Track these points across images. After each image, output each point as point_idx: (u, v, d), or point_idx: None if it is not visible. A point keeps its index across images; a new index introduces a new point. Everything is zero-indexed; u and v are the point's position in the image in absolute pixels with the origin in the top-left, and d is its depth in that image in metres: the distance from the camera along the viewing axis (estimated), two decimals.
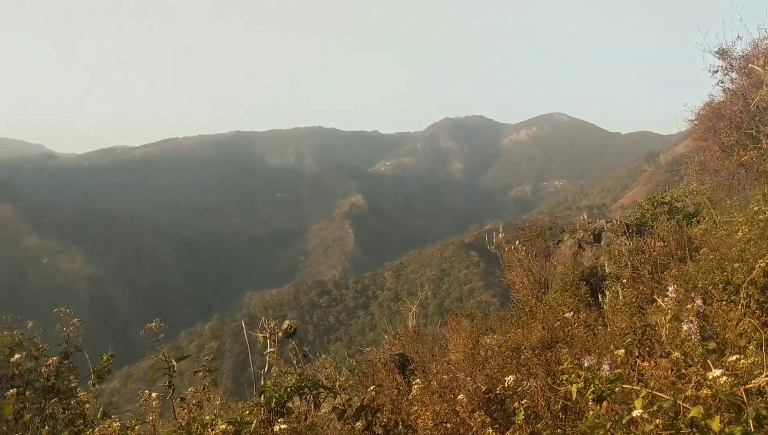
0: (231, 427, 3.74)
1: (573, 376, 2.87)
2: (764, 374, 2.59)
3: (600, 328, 9.20)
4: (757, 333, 3.39)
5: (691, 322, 3.14)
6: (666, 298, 3.69)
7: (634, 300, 8.38)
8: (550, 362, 8.35)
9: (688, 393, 2.43)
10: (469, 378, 8.40)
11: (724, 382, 2.39)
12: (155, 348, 4.66)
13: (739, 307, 4.25)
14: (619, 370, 2.93)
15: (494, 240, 18.16)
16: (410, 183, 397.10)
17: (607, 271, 14.11)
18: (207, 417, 3.99)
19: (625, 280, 11.72)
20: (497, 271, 19.01)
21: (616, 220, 17.99)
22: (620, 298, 10.52)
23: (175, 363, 4.45)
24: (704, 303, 3.47)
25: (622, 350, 3.35)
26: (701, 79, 18.67)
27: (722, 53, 17.62)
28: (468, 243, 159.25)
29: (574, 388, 2.85)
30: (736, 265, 5.05)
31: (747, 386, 2.75)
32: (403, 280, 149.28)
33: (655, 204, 19.30)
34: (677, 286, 4.04)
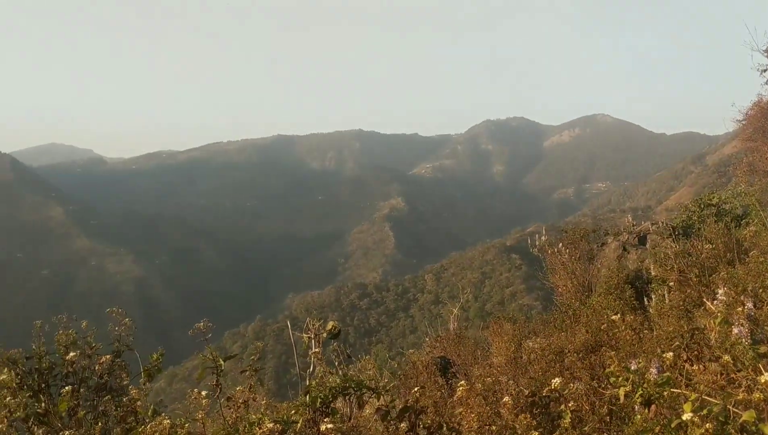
0: (278, 425, 3.80)
1: (620, 379, 2.84)
2: None
3: (646, 332, 9.05)
4: None
5: (742, 325, 3.08)
6: (715, 301, 3.62)
7: (681, 303, 8.22)
8: (594, 366, 8.25)
9: (739, 397, 2.39)
10: (512, 381, 8.35)
11: None
12: (202, 348, 4.77)
13: None
14: (668, 374, 2.90)
15: (537, 243, 18.00)
16: (451, 185, 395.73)
17: (652, 274, 13.86)
18: (253, 416, 4.06)
19: (671, 284, 11.51)
20: (540, 275, 18.83)
21: (662, 223, 17.65)
22: (667, 301, 10.33)
23: (222, 362, 4.54)
24: (755, 306, 3.41)
25: (671, 353, 3.30)
26: (749, 78, 18.20)
27: None
28: (509, 246, 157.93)
29: (621, 392, 2.83)
30: None
31: None
32: (444, 283, 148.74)
33: (702, 206, 18.90)
34: (727, 288, 3.96)
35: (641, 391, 2.77)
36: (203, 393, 4.44)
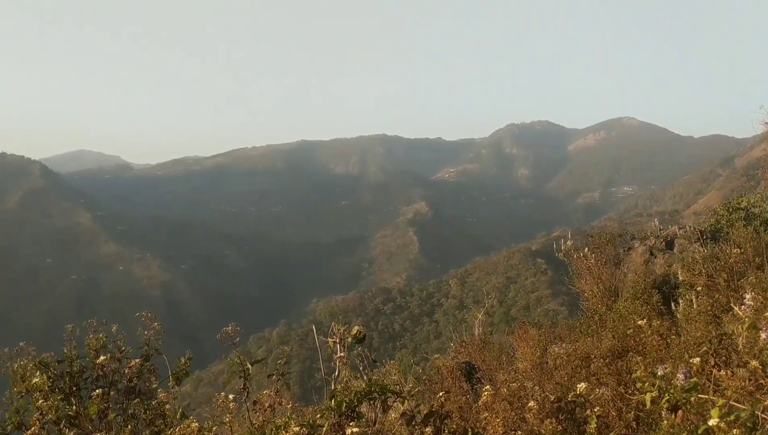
0: (304, 429, 3.83)
1: (647, 384, 2.83)
2: None
3: (673, 337, 8.96)
4: None
5: None
6: (743, 306, 3.59)
7: (709, 308, 8.11)
8: (621, 372, 8.18)
9: (767, 403, 2.37)
10: (537, 387, 8.31)
11: None
12: (230, 352, 4.83)
13: None
14: (695, 379, 2.87)
15: (562, 247, 17.87)
16: (474, 190, 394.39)
17: (680, 278, 13.71)
18: (279, 420, 4.10)
19: (699, 288, 11.37)
20: (565, 279, 18.71)
21: (690, 227, 17.44)
22: (694, 306, 10.20)
23: (250, 366, 4.59)
24: None
25: (698, 359, 3.28)
26: None
27: None
28: (535, 250, 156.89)
29: (648, 397, 2.82)
30: None
31: None
32: (468, 288, 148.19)
33: (731, 210, 18.65)
34: (755, 293, 3.91)
35: (668, 397, 2.76)
36: (230, 397, 4.50)
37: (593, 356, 10.38)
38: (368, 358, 6.31)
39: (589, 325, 13.67)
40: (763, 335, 3.07)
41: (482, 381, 13.58)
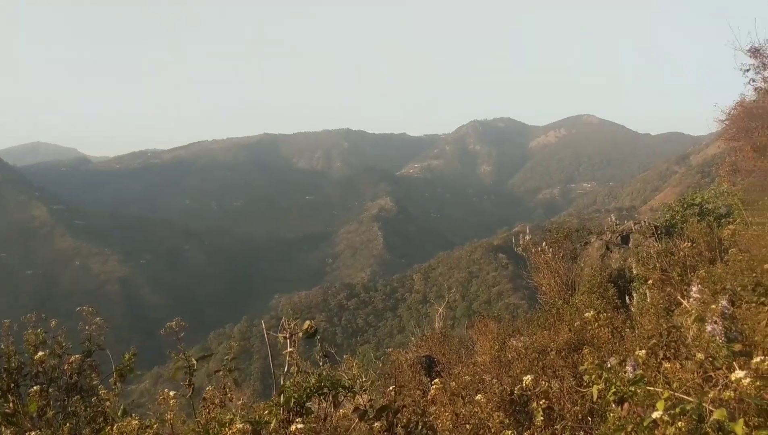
0: (248, 426, 3.72)
1: (594, 377, 2.80)
2: None
3: (627, 330, 9.05)
4: None
5: (716, 323, 3.05)
6: (691, 300, 3.60)
7: (661, 302, 8.22)
8: (576, 364, 8.23)
9: (712, 395, 2.35)
10: (495, 380, 8.32)
11: (748, 384, 2.30)
12: (177, 347, 4.69)
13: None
14: (641, 371, 2.85)
15: (521, 242, 18.03)
16: (439, 186, 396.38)
17: (635, 273, 13.90)
18: (226, 416, 3.99)
19: (652, 282, 11.52)
20: (524, 274, 18.87)
21: (645, 222, 17.72)
22: (648, 300, 10.34)
23: (195, 362, 4.46)
24: (732, 305, 3.37)
25: (643, 351, 3.26)
26: (732, 78, 18.34)
27: (754, 52, 17.27)
28: (496, 245, 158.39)
29: (594, 389, 2.79)
30: (767, 266, 4.91)
31: None
32: (432, 283, 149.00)
33: (685, 206, 19.01)
34: (702, 286, 3.93)
35: (614, 389, 2.73)
36: (172, 393, 4.35)
37: (549, 349, 10.45)
38: (326, 353, 6.23)
39: (546, 319, 13.80)
40: (708, 328, 3.08)
41: (441, 374, 13.60)
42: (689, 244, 12.22)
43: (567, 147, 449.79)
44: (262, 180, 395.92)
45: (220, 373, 4.62)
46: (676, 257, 13.06)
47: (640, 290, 12.06)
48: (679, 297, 5.70)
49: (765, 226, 6.48)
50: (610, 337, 8.62)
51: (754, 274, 5.16)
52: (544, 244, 17.23)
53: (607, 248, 16.90)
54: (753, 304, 4.83)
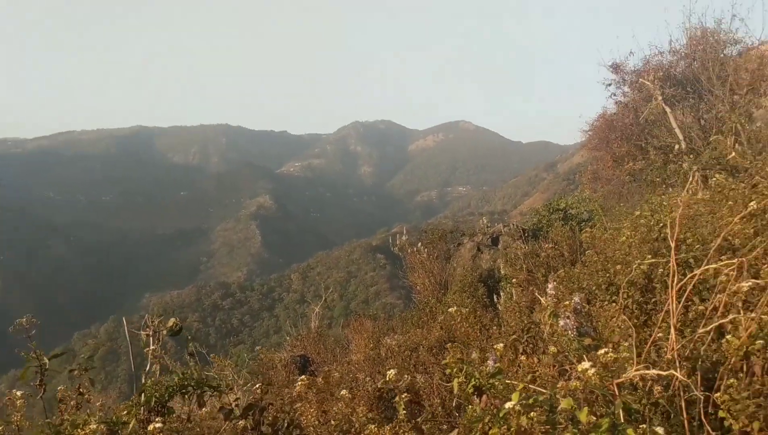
0: (102, 426, 3.54)
1: (456, 370, 2.89)
2: (633, 369, 2.69)
3: (495, 327, 9.42)
4: (631, 330, 3.53)
5: (568, 318, 3.23)
6: (547, 297, 3.80)
7: (524, 300, 8.65)
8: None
9: (560, 386, 2.48)
10: (369, 378, 8.41)
11: (593, 374, 2.46)
12: (27, 346, 4.38)
13: (618, 306, 4.44)
14: (499, 365, 2.98)
15: (397, 242, 18.37)
16: (320, 185, 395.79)
17: (502, 273, 14.52)
18: (80, 417, 3.77)
19: (518, 282, 12.09)
20: (401, 273, 19.24)
21: (513, 225, 18.55)
22: (514, 298, 10.85)
23: (47, 361, 4.19)
24: (588, 302, 3.58)
25: (501, 345, 3.41)
26: (598, 91, 19.60)
27: (615, 67, 18.50)
28: (375, 246, 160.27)
29: (455, 383, 2.88)
30: (618, 266, 5.27)
31: (618, 381, 2.85)
32: (310, 283, 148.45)
33: (551, 210, 20.05)
34: (557, 284, 4.17)
35: (473, 382, 2.83)
36: (19, 393, 4.07)
37: (421, 347, 10.71)
38: (191, 353, 6.03)
39: (420, 317, 14.15)
40: (561, 322, 3.26)
41: (316, 373, 13.57)
42: (552, 246, 12.93)
43: (444, 151, 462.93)
44: (135, 174, 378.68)
45: (75, 372, 4.36)
46: (541, 258, 13.79)
47: (507, 289, 12.61)
48: (537, 295, 6.01)
49: (619, 230, 6.96)
50: (478, 334, 8.94)
51: (606, 274, 5.53)
52: (419, 244, 17.64)
53: (479, 249, 17.53)
54: (606, 303, 5.16)
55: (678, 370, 3.45)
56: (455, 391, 2.86)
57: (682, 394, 3.36)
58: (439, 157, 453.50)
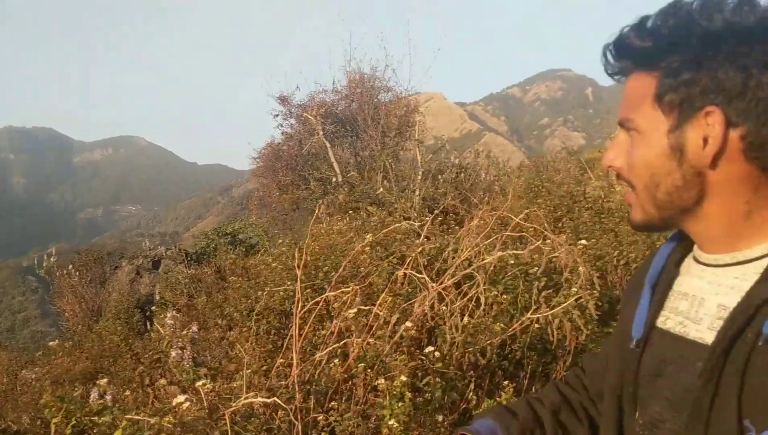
0: None
1: (53, 410, 2.64)
2: (243, 398, 2.75)
3: (147, 356, 9.01)
4: (253, 358, 3.64)
5: (184, 348, 3.21)
6: (165, 326, 3.73)
7: (180, 326, 8.43)
8: (84, 395, 7.84)
9: (155, 421, 2.42)
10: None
11: (187, 407, 2.45)
12: None
13: (252, 332, 4.55)
14: (101, 401, 2.81)
15: (44, 264, 16.62)
16: None
17: (157, 298, 14.07)
18: None
19: (178, 308, 11.80)
20: (46, 298, 17.44)
21: (176, 248, 18.17)
22: (170, 324, 10.53)
23: None
24: (206, 331, 3.58)
25: (105, 380, 3.24)
26: (268, 120, 20.20)
27: (283, 100, 19.36)
28: (26, 266, 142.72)
29: (53, 423, 2.63)
30: (260, 293, 5.43)
31: (230, 410, 2.88)
32: None
33: (220, 234, 20.10)
34: (175, 313, 4.13)
35: (74, 421, 2.62)
36: None
37: (63, 380, 9.78)
38: None
39: (66, 347, 12.92)
40: (173, 353, 3.22)
41: None
42: (213, 271, 12.90)
43: (114, 166, 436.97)
44: None
45: None
46: (204, 283, 13.66)
47: (161, 315, 12.24)
48: (156, 325, 5.91)
49: (277, 256, 7.20)
50: (130, 364, 8.46)
51: (249, 300, 5.66)
52: (70, 266, 16.20)
53: (138, 273, 16.75)
54: (245, 329, 5.26)
55: (297, 394, 3.64)
56: (53, 432, 2.62)
57: (300, 417, 3.54)
58: (109, 172, 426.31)
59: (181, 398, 2.34)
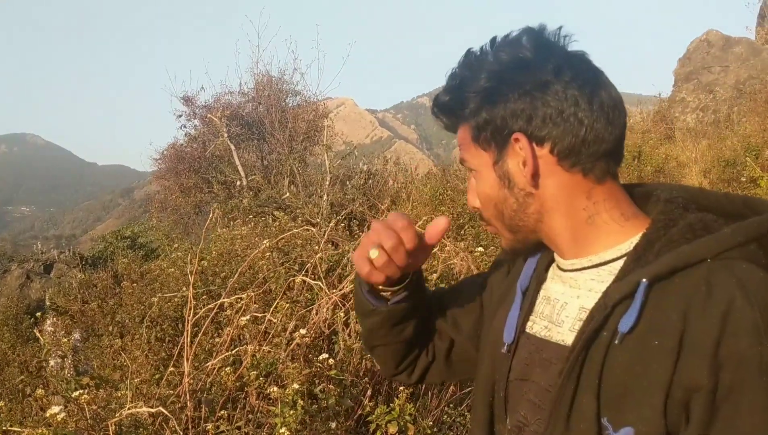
0: None
1: None
2: (127, 408, 2.64)
3: (39, 364, 8.55)
4: (147, 366, 3.51)
5: (65, 356, 3.05)
6: (45, 334, 3.55)
7: (64, 334, 8.05)
8: None
9: (28, 432, 2.29)
10: None
11: (62, 419, 2.33)
12: None
13: (143, 339, 4.40)
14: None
15: None
16: None
17: (48, 303, 13.38)
18: None
19: (71, 313, 11.26)
20: None
21: (70, 252, 17.34)
22: (58, 331, 10.03)
23: None
24: (88, 339, 3.42)
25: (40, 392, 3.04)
26: (171, 120, 19.51)
27: (187, 100, 18.80)
28: None
29: None
30: (153, 299, 5.26)
31: (114, 420, 2.77)
32: None
33: (119, 238, 19.32)
34: (55, 320, 3.95)
35: None
36: None
37: None
38: None
39: None
40: (51, 362, 3.07)
41: None
42: (109, 276, 12.37)
43: (6, 166, 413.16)
44: None
45: None
46: (98, 288, 13.09)
47: (49, 321, 11.63)
48: (36, 332, 5.65)
49: (173, 260, 6.99)
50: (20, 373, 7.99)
51: (143, 306, 5.47)
52: None
53: (28, 277, 15.84)
54: (136, 337, 5.07)
55: (189, 402, 3.54)
56: None
57: (191, 426, 3.44)
58: (1, 171, 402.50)
59: (55, 409, 2.22)
